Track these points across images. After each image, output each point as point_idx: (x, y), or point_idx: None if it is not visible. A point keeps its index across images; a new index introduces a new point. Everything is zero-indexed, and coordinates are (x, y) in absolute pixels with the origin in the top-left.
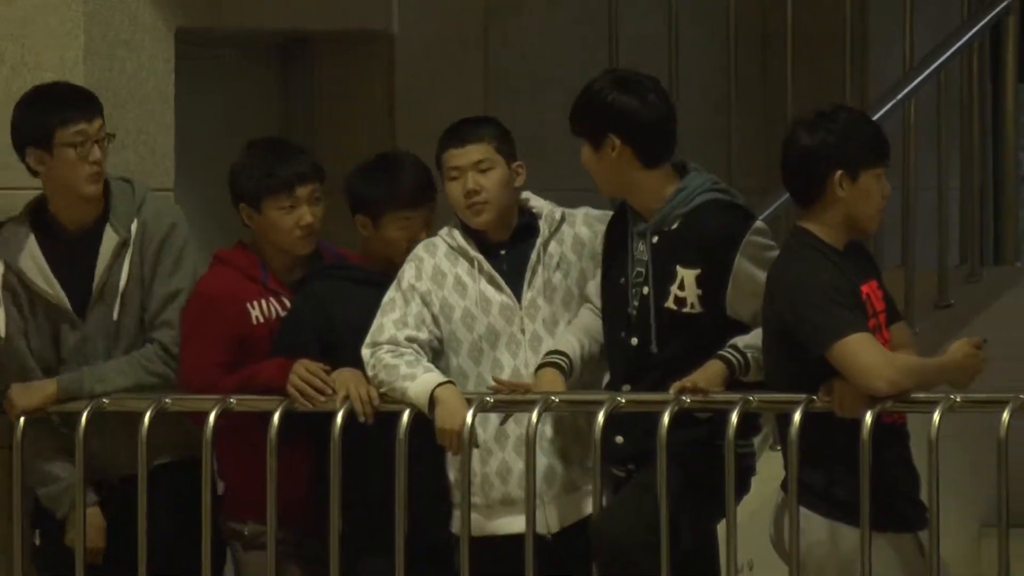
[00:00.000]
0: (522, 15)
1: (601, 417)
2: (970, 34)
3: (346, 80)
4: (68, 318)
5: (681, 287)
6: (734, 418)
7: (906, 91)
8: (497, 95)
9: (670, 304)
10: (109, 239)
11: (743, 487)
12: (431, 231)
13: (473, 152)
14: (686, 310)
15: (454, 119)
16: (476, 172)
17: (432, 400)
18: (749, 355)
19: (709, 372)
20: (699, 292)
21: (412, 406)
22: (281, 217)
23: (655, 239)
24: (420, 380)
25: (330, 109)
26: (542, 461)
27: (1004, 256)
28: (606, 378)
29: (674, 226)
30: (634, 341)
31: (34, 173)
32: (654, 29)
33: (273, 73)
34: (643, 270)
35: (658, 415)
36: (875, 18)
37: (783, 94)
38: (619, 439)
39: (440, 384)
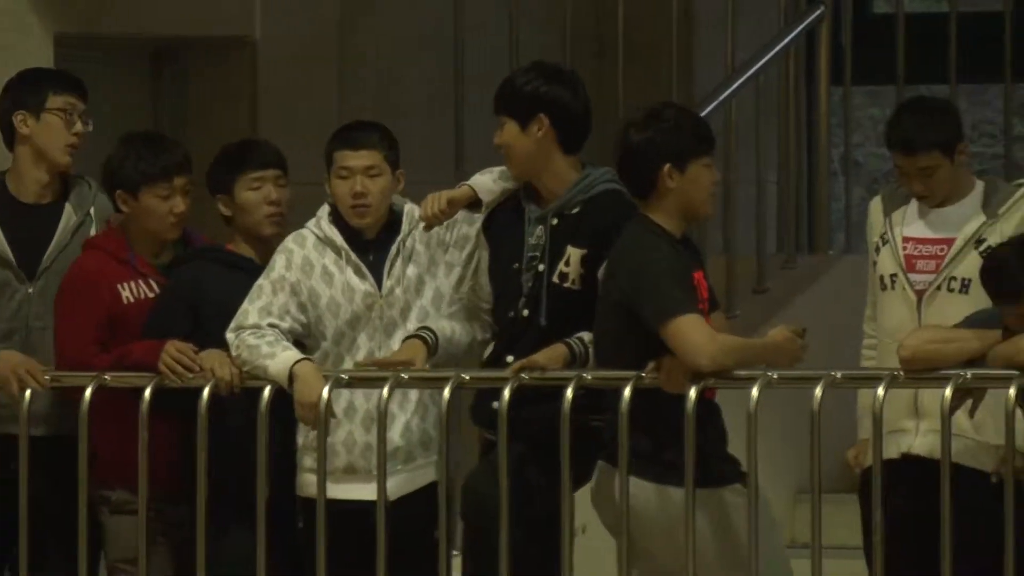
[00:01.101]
0: (374, 21)
1: (447, 393)
2: (786, 40)
3: (213, 84)
4: (14, 274)
5: (567, 263)
6: (568, 392)
7: (727, 93)
8: (352, 97)
9: (555, 278)
10: (68, 216)
11: (595, 458)
12: (284, 195)
13: (366, 157)
14: (567, 285)
15: (312, 121)
16: (365, 176)
17: (291, 375)
18: (586, 339)
19: (551, 353)
20: (582, 271)
21: (273, 382)
22: (158, 204)
23: (555, 221)
24: (280, 357)
25: (198, 112)
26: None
27: (818, 245)
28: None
29: (574, 210)
30: (525, 313)
31: (9, 144)
32: (497, 35)
33: (146, 78)
34: (538, 253)
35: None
36: (699, 26)
37: (615, 97)
38: (495, 404)
39: (298, 361)
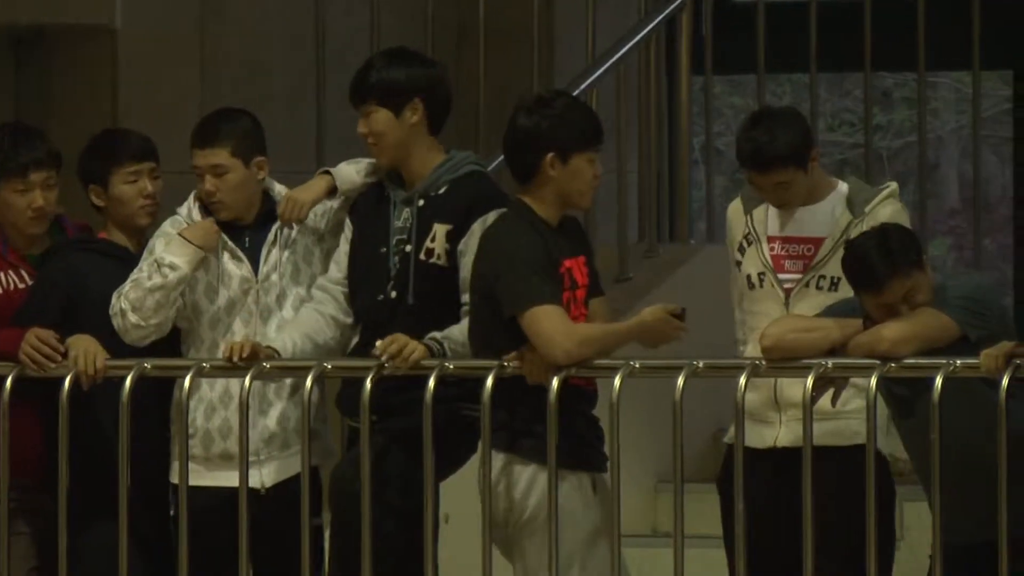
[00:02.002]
0: (236, 10)
1: (309, 382)
2: (647, 29)
3: (74, 73)
4: None
5: (433, 239)
6: (431, 383)
7: (588, 82)
8: (214, 83)
9: (422, 255)
10: None
11: (471, 447)
12: (158, 186)
13: (210, 156)
14: (433, 260)
15: (174, 110)
16: (212, 175)
17: (179, 240)
18: (446, 345)
19: (413, 351)
20: (447, 246)
21: (140, 369)
22: (15, 199)
23: (421, 202)
24: (157, 252)
25: (60, 101)
26: (260, 422)
27: (678, 233)
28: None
29: (441, 191)
30: (393, 294)
31: None
32: (358, 21)
33: (6, 67)
34: (405, 236)
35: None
36: (560, 14)
37: (476, 85)
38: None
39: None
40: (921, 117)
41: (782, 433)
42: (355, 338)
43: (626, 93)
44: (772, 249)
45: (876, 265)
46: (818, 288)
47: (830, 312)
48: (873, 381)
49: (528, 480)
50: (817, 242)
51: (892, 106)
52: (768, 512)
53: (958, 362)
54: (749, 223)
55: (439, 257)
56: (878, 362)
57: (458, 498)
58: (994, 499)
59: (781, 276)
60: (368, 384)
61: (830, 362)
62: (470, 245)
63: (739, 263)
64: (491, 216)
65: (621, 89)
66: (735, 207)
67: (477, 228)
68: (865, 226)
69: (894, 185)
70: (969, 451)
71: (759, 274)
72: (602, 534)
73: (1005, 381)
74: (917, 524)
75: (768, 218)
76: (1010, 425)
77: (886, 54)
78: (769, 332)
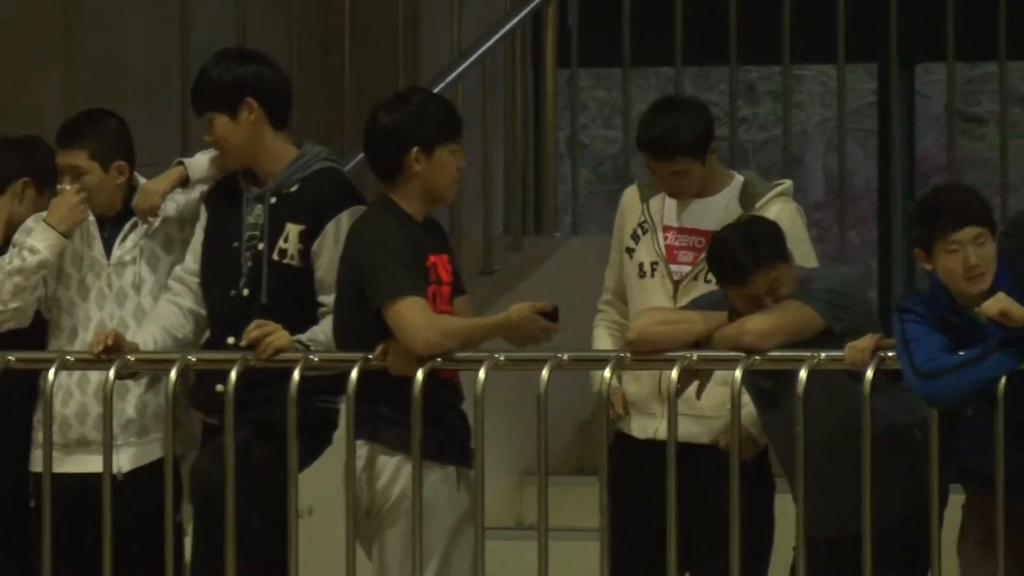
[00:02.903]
0: (98, 4)
1: (173, 375)
2: (513, 22)
3: None
4: None
5: (286, 240)
6: (296, 375)
7: (454, 75)
8: (78, 79)
9: (275, 255)
10: None
11: (325, 441)
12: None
13: (69, 157)
14: (287, 261)
15: (36, 105)
16: (71, 175)
17: (40, 227)
18: (312, 348)
19: (280, 341)
20: (300, 247)
21: (4, 361)
22: None
23: (273, 200)
24: (26, 236)
25: None
26: (118, 407)
27: (544, 227)
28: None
29: (292, 188)
30: (245, 292)
31: None
32: (223, 18)
33: None
34: (257, 232)
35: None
36: (426, 9)
37: (342, 82)
38: (219, 387)
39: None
40: (786, 110)
41: (663, 426)
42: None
43: (492, 87)
44: (667, 239)
45: (741, 258)
46: (707, 281)
47: (695, 305)
48: (738, 374)
49: (392, 471)
50: (709, 235)
51: (757, 99)
52: (651, 504)
53: (822, 355)
54: (645, 211)
55: (292, 257)
56: (743, 355)
57: (322, 490)
58: (858, 492)
59: (673, 267)
60: (233, 376)
61: (695, 355)
62: (324, 246)
63: (631, 251)
64: (345, 216)
65: (487, 83)
66: (631, 193)
67: (331, 229)
68: None
69: (788, 183)
70: (833, 444)
71: (652, 263)
72: (466, 526)
73: (870, 374)
74: (782, 517)
75: (665, 208)
76: (874, 418)
77: (751, 47)
78: (634, 325)
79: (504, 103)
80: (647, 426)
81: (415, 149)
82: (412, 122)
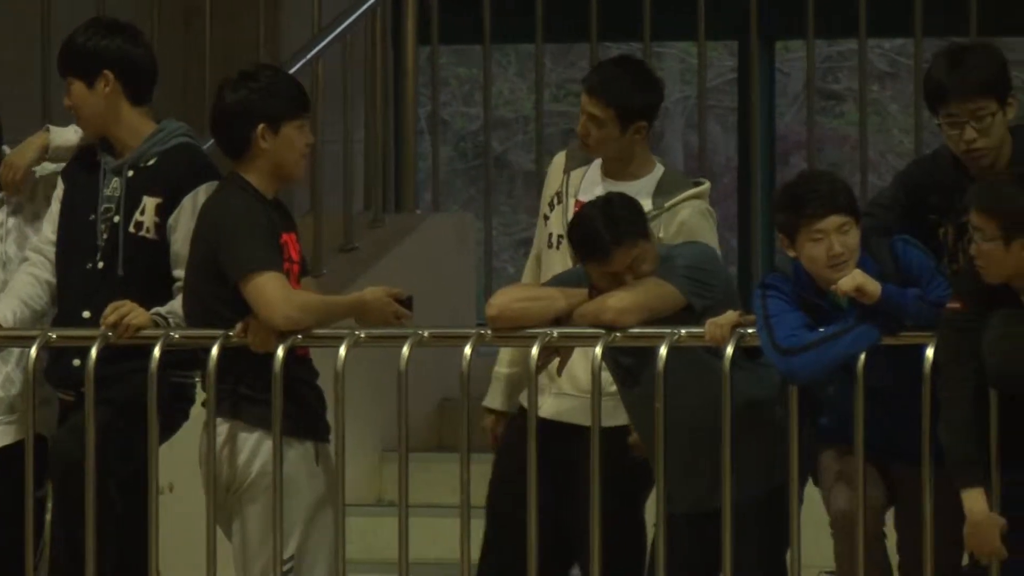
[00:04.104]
0: None
1: (34, 351)
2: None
3: None
4: None
5: (143, 212)
6: (157, 351)
7: (314, 52)
8: None
9: (132, 228)
10: None
11: (182, 415)
12: None
13: None
14: (142, 234)
15: None
16: None
17: None
18: (171, 320)
19: (138, 320)
20: (156, 220)
21: None
22: None
23: (131, 173)
24: None
25: None
26: None
27: (404, 203)
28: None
29: (150, 162)
30: (101, 265)
31: None
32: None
33: None
34: (113, 205)
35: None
36: None
37: (203, 57)
38: (76, 362)
39: None
40: None
41: (547, 403)
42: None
43: (352, 63)
44: None
45: (601, 234)
46: None
47: (556, 281)
48: (598, 350)
49: (252, 447)
50: None
51: None
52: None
53: (683, 331)
54: (565, 182)
55: (148, 230)
56: (603, 331)
57: (182, 467)
58: (718, 468)
59: None
60: (94, 354)
61: (556, 331)
62: (180, 220)
63: (547, 218)
64: (202, 190)
65: (347, 59)
66: (558, 160)
67: (187, 203)
68: (663, 224)
69: (705, 187)
70: (693, 421)
71: (559, 236)
72: (326, 503)
73: (729, 350)
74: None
75: (583, 182)
76: (734, 394)
77: (612, 24)
78: (494, 302)
79: (364, 80)
80: (540, 401)
81: (261, 126)
82: (258, 99)
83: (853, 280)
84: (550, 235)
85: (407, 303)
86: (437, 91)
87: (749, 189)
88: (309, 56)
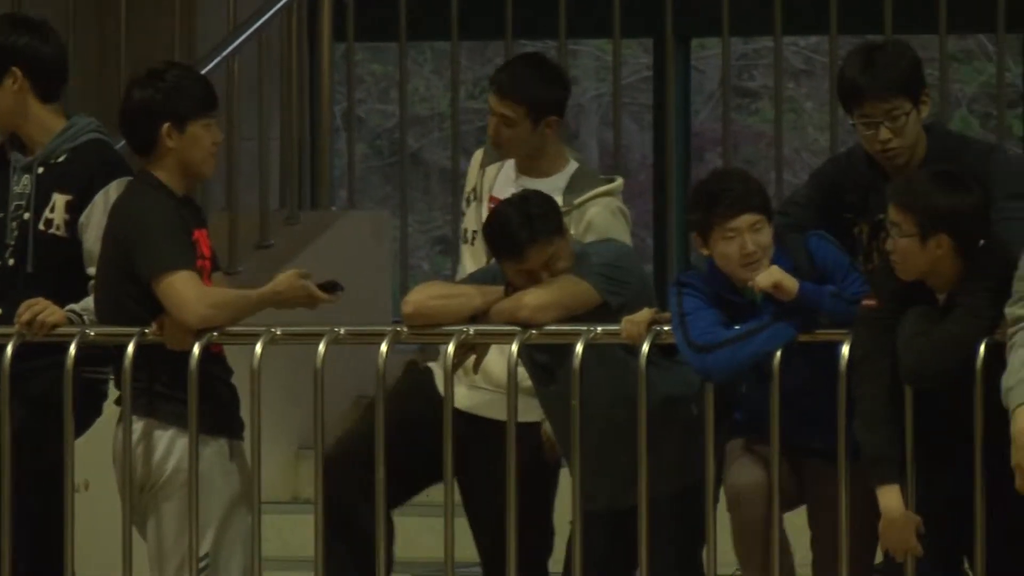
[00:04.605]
0: None
1: None
2: None
3: None
4: None
5: (52, 210)
6: (72, 349)
7: (230, 49)
8: None
9: (41, 225)
10: None
11: (95, 411)
12: None
13: None
14: (52, 231)
15: None
16: None
17: None
18: (85, 317)
19: (53, 317)
20: (66, 217)
21: None
22: None
23: (40, 170)
24: None
25: None
26: None
27: (320, 201)
28: None
29: (60, 159)
30: (11, 262)
31: None
32: None
33: None
34: (24, 202)
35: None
36: None
37: (118, 53)
38: None
39: None
40: None
41: (461, 394)
42: None
43: (268, 60)
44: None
45: (517, 232)
46: None
47: (472, 279)
48: (514, 348)
49: (166, 445)
50: None
51: None
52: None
53: (599, 329)
54: (480, 178)
55: (58, 228)
56: (519, 329)
57: (98, 465)
58: (634, 465)
59: None
60: (9, 351)
61: (471, 329)
62: (92, 218)
63: (463, 214)
64: (113, 187)
65: (263, 56)
66: (477, 156)
67: (99, 200)
68: (573, 221)
69: (617, 183)
70: (609, 418)
71: (474, 232)
72: (241, 500)
73: (645, 348)
74: (559, 491)
75: (497, 179)
76: (650, 392)
77: (527, 22)
78: (410, 299)
79: (280, 77)
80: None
81: (167, 125)
82: (163, 98)
83: (771, 276)
84: (466, 231)
85: (327, 288)
86: (353, 88)
87: (664, 186)
88: (225, 53)
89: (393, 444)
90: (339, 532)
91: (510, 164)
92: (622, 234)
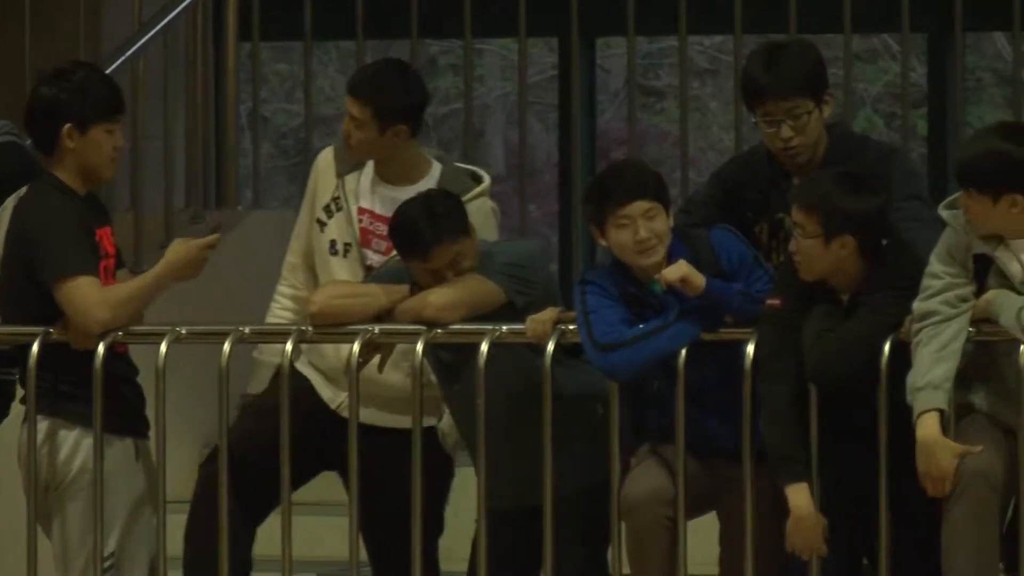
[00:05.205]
0: None
1: None
2: None
3: None
4: None
5: None
6: None
7: (135, 47)
8: None
9: None
10: None
11: (2, 412)
12: None
13: None
14: None
15: None
16: None
17: None
18: None
19: None
20: None
21: None
22: None
23: None
24: None
25: None
26: None
27: (225, 200)
28: None
29: None
30: None
31: None
32: None
33: None
34: None
35: None
36: None
37: (22, 53)
38: None
39: None
40: (467, 84)
41: (346, 400)
42: None
43: (173, 59)
44: (361, 222)
45: (422, 231)
46: None
47: (377, 278)
48: (419, 347)
49: (72, 445)
50: None
51: (438, 73)
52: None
53: (504, 328)
54: (340, 188)
55: None
56: (424, 328)
57: (2, 464)
58: (539, 464)
59: (367, 251)
60: None
61: (377, 328)
62: (2, 220)
63: (323, 223)
64: (24, 189)
65: (168, 55)
66: (326, 159)
67: (10, 203)
68: None
69: (485, 184)
70: (514, 417)
71: (345, 244)
72: (146, 500)
73: (551, 347)
74: (463, 490)
75: (360, 188)
76: (555, 391)
77: (432, 21)
78: (315, 299)
79: (186, 76)
80: (334, 397)
81: (68, 126)
82: (67, 98)
83: (679, 270)
84: (333, 243)
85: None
86: (258, 88)
87: (570, 186)
88: (130, 52)
89: (267, 449)
90: (205, 531)
91: (368, 171)
92: (494, 234)
